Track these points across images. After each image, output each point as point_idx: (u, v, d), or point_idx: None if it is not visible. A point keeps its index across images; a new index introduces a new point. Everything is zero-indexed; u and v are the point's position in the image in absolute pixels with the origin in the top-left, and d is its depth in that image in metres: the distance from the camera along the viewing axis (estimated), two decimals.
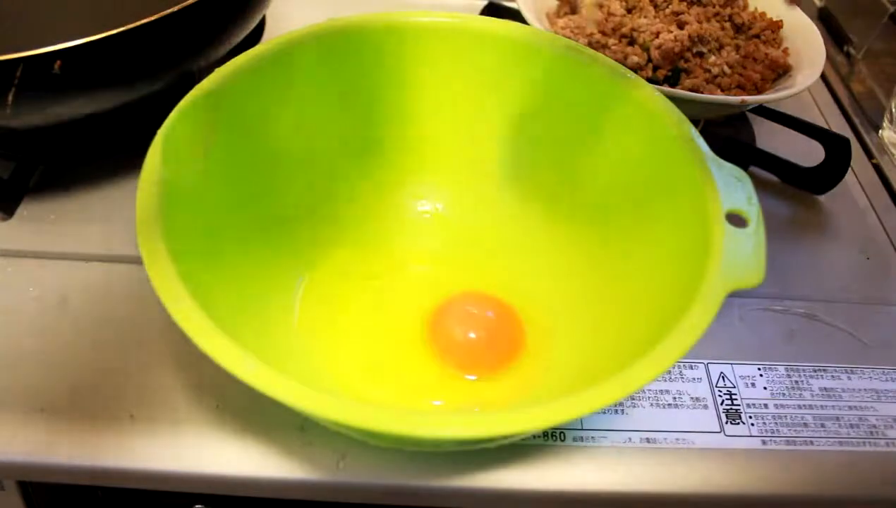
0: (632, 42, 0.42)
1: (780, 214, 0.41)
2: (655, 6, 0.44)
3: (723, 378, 0.33)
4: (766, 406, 0.32)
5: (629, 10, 0.44)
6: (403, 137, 0.36)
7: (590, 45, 0.42)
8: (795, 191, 0.43)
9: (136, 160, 0.27)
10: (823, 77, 0.46)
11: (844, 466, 0.30)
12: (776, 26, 0.45)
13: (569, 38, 0.41)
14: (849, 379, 0.33)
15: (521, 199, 0.36)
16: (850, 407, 0.32)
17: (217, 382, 0.30)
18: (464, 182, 0.36)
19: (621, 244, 0.32)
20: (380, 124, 0.35)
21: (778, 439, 0.31)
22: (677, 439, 0.30)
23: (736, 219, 0.27)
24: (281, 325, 0.31)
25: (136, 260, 0.24)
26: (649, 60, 0.41)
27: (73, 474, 0.28)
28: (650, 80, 0.39)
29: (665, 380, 0.32)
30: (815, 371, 0.34)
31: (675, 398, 0.32)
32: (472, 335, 0.32)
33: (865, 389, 0.33)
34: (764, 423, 0.31)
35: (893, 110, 0.47)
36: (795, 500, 0.30)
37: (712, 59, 0.41)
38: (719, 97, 0.39)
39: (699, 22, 0.43)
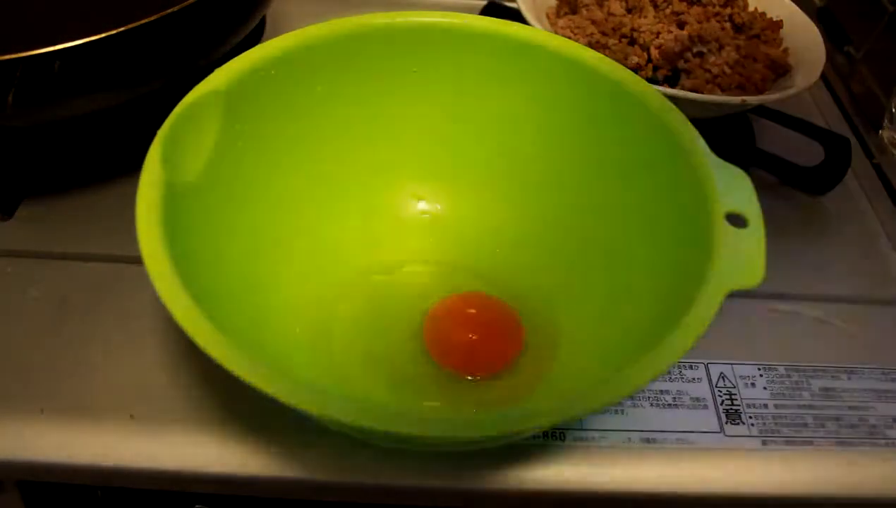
0: (632, 42, 0.42)
1: (780, 214, 0.41)
2: (655, 6, 0.44)
3: (723, 378, 0.33)
4: (766, 406, 0.32)
5: (629, 10, 0.44)
6: (404, 137, 0.36)
7: (590, 45, 0.42)
8: (795, 191, 0.43)
9: (136, 160, 0.27)
10: (823, 77, 0.46)
11: (844, 466, 0.30)
12: (776, 26, 0.45)
13: (569, 38, 0.41)
14: (849, 379, 0.33)
15: (520, 200, 0.36)
16: (850, 407, 0.32)
17: (217, 381, 0.30)
18: (463, 182, 0.36)
19: (621, 244, 0.32)
20: (380, 124, 0.35)
21: (778, 439, 0.31)
22: (677, 439, 0.30)
23: (736, 219, 0.27)
24: (281, 325, 0.31)
25: (136, 261, 0.24)
26: (649, 60, 0.41)
27: (73, 474, 0.28)
28: (650, 80, 0.39)
29: (665, 380, 0.32)
30: (815, 371, 0.34)
31: (675, 398, 0.32)
32: (471, 336, 0.32)
33: (865, 389, 0.33)
34: (764, 423, 0.31)
35: (893, 110, 0.47)
36: (795, 500, 0.30)
37: (712, 59, 0.41)
38: (719, 97, 0.39)
39: (699, 22, 0.43)
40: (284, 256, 0.32)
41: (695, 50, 0.41)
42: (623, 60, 0.41)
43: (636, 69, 0.40)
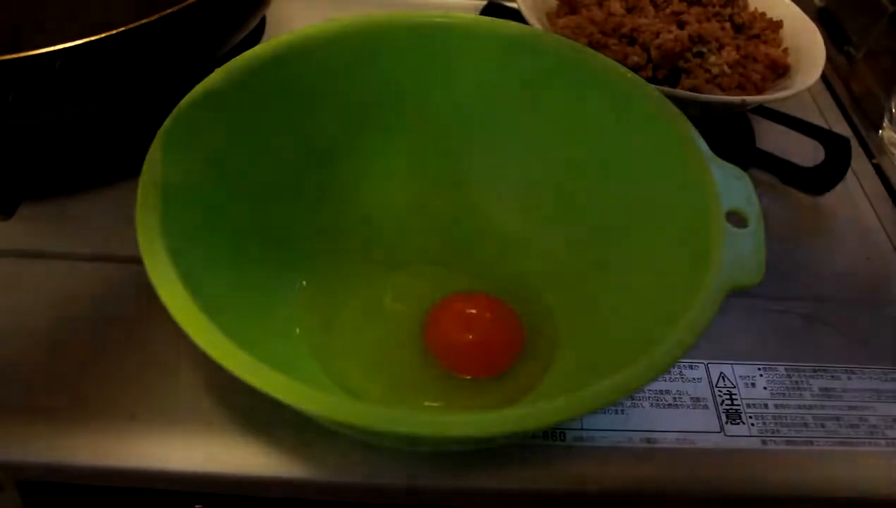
0: (632, 42, 0.42)
1: (780, 214, 0.41)
2: (655, 6, 0.44)
3: (723, 378, 0.33)
4: (766, 406, 0.32)
5: (629, 10, 0.44)
6: (405, 137, 0.36)
7: (590, 45, 0.42)
8: (795, 191, 0.43)
9: (136, 160, 0.27)
10: (823, 77, 0.46)
11: (844, 466, 0.30)
12: (776, 26, 0.45)
13: (569, 38, 0.41)
14: (849, 379, 0.33)
15: (521, 199, 0.36)
16: (850, 407, 0.32)
17: (217, 382, 0.30)
18: (463, 182, 0.36)
19: (621, 244, 0.32)
20: (380, 123, 0.35)
21: (778, 439, 0.31)
22: (677, 439, 0.30)
23: (736, 219, 0.27)
24: (280, 325, 0.31)
25: (136, 260, 0.24)
26: (649, 60, 0.41)
27: (73, 474, 0.28)
28: (650, 80, 0.39)
29: (665, 380, 0.32)
30: (815, 371, 0.34)
31: (675, 398, 0.32)
32: (471, 336, 0.32)
33: (865, 389, 0.33)
34: (764, 423, 0.31)
35: (893, 110, 0.47)
36: (795, 500, 0.30)
37: (712, 58, 0.41)
38: (719, 97, 0.39)
39: (699, 22, 0.43)
40: (284, 256, 0.32)
41: (695, 50, 0.41)
42: (623, 60, 0.41)
43: (636, 69, 0.40)
